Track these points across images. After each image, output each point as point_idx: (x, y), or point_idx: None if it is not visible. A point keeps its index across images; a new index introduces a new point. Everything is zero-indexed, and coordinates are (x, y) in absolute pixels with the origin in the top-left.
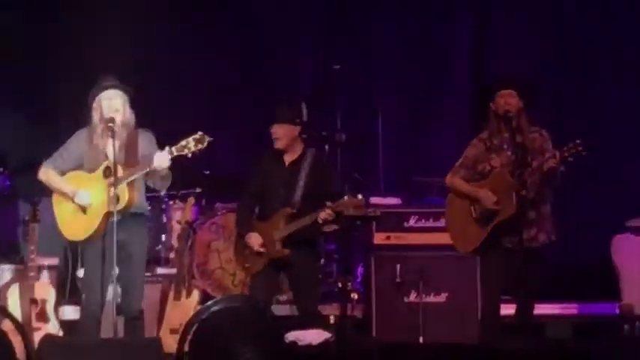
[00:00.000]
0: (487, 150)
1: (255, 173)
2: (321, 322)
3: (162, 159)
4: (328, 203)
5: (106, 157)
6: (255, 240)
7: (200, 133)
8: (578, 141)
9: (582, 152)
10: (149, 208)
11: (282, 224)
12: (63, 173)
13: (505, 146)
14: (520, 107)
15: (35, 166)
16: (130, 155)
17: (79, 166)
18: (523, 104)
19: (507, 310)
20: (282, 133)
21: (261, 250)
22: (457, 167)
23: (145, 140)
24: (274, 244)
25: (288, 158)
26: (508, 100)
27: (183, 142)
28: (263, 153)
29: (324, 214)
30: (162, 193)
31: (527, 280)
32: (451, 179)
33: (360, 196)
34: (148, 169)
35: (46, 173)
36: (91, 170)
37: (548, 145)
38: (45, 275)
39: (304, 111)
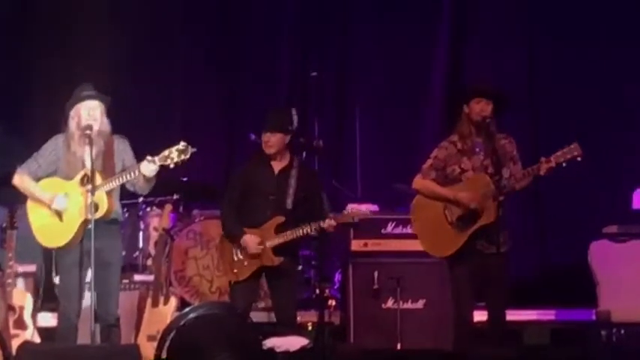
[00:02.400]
0: (458, 152)
1: (239, 181)
2: (297, 329)
3: (149, 168)
4: (332, 214)
5: (84, 164)
6: (252, 241)
7: (183, 143)
8: (573, 145)
9: (578, 157)
10: (126, 214)
11: (273, 232)
12: (37, 179)
13: (477, 149)
14: (492, 112)
15: (11, 173)
16: (108, 163)
17: (52, 173)
18: (494, 111)
19: (480, 317)
20: (274, 141)
21: (260, 250)
22: (427, 169)
23: (121, 146)
24: (267, 251)
25: (277, 165)
26: (485, 107)
27: (165, 152)
28: (246, 160)
29: (329, 224)
30: (140, 199)
31: (499, 285)
32: (422, 181)
33: (364, 208)
34: (133, 177)
35: (21, 178)
36: (67, 177)
37: (515, 153)
38: (22, 282)
39: (295, 119)
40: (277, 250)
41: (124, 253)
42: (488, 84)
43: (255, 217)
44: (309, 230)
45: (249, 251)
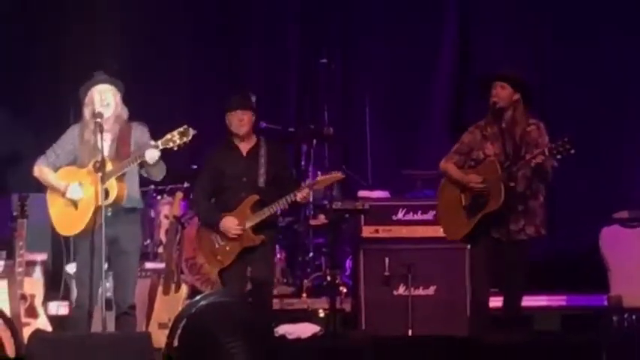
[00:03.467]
0: (483, 138)
1: (209, 167)
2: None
3: (152, 153)
4: (304, 183)
5: (98, 151)
6: (230, 223)
7: (184, 126)
8: (566, 139)
9: (570, 150)
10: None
11: (250, 212)
12: (56, 169)
13: (500, 136)
14: (514, 99)
15: (23, 162)
16: (122, 149)
17: (71, 162)
18: (519, 96)
19: (496, 302)
20: (247, 119)
21: (239, 231)
22: (452, 153)
23: (138, 133)
24: (246, 232)
25: (244, 147)
26: (497, 91)
27: (168, 136)
28: (213, 147)
29: (303, 194)
30: (152, 187)
31: (514, 272)
32: (445, 164)
33: (335, 172)
34: (136, 162)
35: (40, 170)
36: (82, 165)
37: (543, 139)
38: (34, 271)
39: (254, 99)
40: (257, 228)
41: (147, 241)
42: (506, 69)
43: (229, 201)
44: (285, 204)
45: (230, 234)
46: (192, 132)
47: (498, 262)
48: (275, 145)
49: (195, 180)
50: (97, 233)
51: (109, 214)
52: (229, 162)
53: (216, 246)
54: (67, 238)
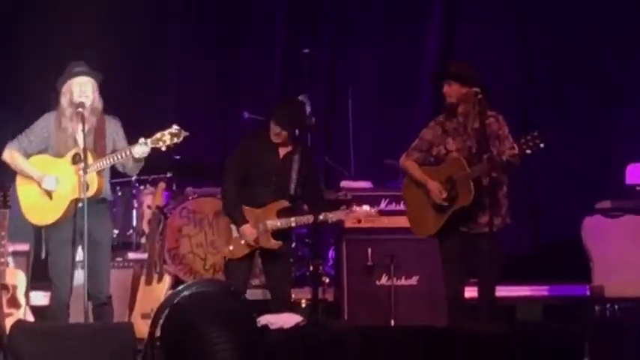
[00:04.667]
0: (443, 133)
1: (243, 161)
2: (291, 308)
3: (141, 150)
4: (344, 208)
5: (75, 142)
6: (250, 234)
7: (176, 127)
8: (535, 133)
9: (540, 144)
10: (119, 193)
11: (275, 215)
12: (28, 155)
13: (461, 130)
14: (463, 93)
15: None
16: (99, 141)
17: (43, 150)
18: (468, 89)
19: (472, 292)
20: (284, 136)
21: (254, 245)
22: (412, 149)
23: (112, 126)
24: (266, 234)
25: (282, 150)
26: (445, 89)
27: (158, 135)
28: (251, 135)
29: (340, 217)
30: (134, 178)
31: (487, 264)
32: (404, 162)
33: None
34: (124, 158)
35: (11, 155)
36: (58, 154)
37: (503, 131)
38: (15, 261)
39: (307, 109)
40: (275, 233)
41: (116, 231)
42: (451, 66)
43: (255, 198)
44: (311, 220)
45: (246, 240)
46: (184, 134)
47: (469, 254)
48: (307, 152)
49: (225, 162)
50: (70, 224)
51: (80, 205)
52: (264, 157)
53: (233, 235)
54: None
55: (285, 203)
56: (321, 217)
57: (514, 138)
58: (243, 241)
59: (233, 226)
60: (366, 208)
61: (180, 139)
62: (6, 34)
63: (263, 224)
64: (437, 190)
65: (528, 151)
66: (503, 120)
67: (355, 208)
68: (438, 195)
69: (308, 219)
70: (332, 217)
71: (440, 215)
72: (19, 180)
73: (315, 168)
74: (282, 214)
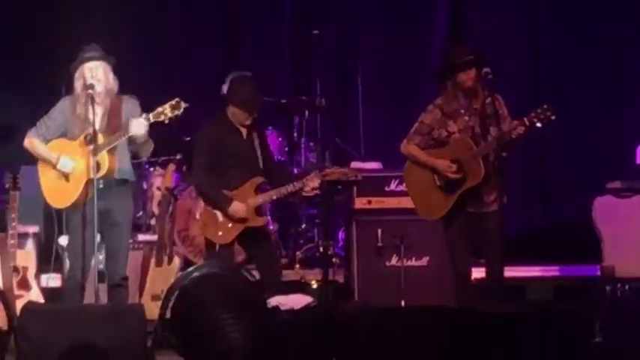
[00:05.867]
0: (443, 116)
1: (209, 147)
2: (282, 287)
3: (138, 126)
4: (315, 172)
5: (89, 124)
6: (241, 209)
7: (176, 99)
8: (545, 106)
9: (551, 117)
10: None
11: (254, 193)
12: (47, 141)
13: (462, 111)
14: (479, 76)
15: (16, 134)
16: (113, 122)
17: (62, 135)
18: (482, 72)
19: (479, 273)
20: (251, 118)
21: (246, 218)
22: (412, 134)
23: (129, 106)
24: (251, 213)
25: (243, 129)
26: (468, 76)
27: (159, 109)
28: (209, 124)
29: (315, 183)
30: (144, 159)
31: (495, 243)
32: (406, 147)
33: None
34: (126, 136)
35: (31, 142)
36: (74, 138)
37: (503, 111)
38: (26, 243)
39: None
40: (256, 210)
41: (140, 213)
42: (467, 54)
43: (230, 182)
44: (292, 189)
45: (237, 217)
46: (183, 105)
47: (475, 234)
48: (261, 129)
49: (193, 157)
50: (88, 205)
51: (101, 186)
52: (230, 141)
53: (220, 220)
54: (58, 211)
55: (260, 179)
56: (298, 184)
57: (524, 114)
58: (230, 224)
59: (217, 212)
60: (365, 165)
61: (181, 110)
62: (15, 19)
63: (246, 204)
64: (446, 166)
65: (539, 125)
66: (501, 99)
67: (331, 166)
68: (448, 170)
69: (287, 189)
70: (307, 181)
71: (448, 196)
72: (40, 166)
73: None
74: (260, 190)
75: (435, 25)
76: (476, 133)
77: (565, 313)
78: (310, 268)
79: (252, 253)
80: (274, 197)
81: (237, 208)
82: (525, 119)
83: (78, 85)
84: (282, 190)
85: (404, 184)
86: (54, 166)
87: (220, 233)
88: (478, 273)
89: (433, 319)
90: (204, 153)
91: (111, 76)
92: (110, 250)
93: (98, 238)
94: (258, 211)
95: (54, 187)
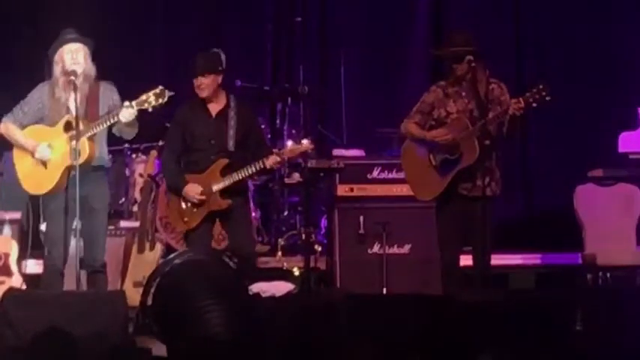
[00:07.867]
0: (445, 96)
1: (178, 127)
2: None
3: (128, 113)
4: (275, 150)
5: (68, 110)
6: (193, 190)
7: (160, 87)
8: (541, 86)
9: (546, 97)
10: (111, 160)
11: (219, 175)
12: (23, 127)
13: (463, 94)
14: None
15: None
16: (92, 108)
17: (39, 120)
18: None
19: (467, 261)
20: (207, 83)
21: (202, 198)
22: (413, 112)
23: (107, 92)
24: (213, 195)
25: (213, 108)
26: (470, 62)
27: (143, 97)
28: (180, 106)
29: (272, 161)
30: (126, 145)
31: (482, 229)
32: (406, 125)
33: (305, 142)
34: (110, 123)
35: (6, 127)
36: (52, 124)
37: (505, 98)
38: (7, 229)
39: (223, 58)
40: (226, 192)
41: (122, 200)
42: (468, 43)
43: (198, 163)
44: (254, 169)
45: (191, 201)
46: (168, 94)
47: (465, 220)
48: (245, 107)
49: (165, 138)
50: (69, 192)
51: (73, 173)
52: (198, 123)
53: (183, 207)
54: (35, 197)
55: (225, 162)
56: (258, 164)
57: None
58: (195, 210)
59: (181, 199)
60: (305, 142)
61: (165, 99)
62: None
63: (209, 188)
64: (442, 135)
65: (534, 105)
66: (505, 86)
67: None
68: (444, 136)
69: (247, 169)
70: (270, 161)
71: (443, 177)
72: (15, 151)
73: (259, 129)
74: (225, 172)
75: (417, 8)
76: (474, 116)
77: (546, 301)
78: (292, 255)
79: (227, 233)
80: (235, 179)
81: (190, 188)
82: (521, 98)
83: (57, 69)
84: (242, 172)
85: (402, 165)
86: (31, 154)
87: (185, 219)
88: (465, 261)
89: (414, 307)
90: (172, 132)
91: (89, 60)
92: (88, 237)
93: (80, 224)
94: (225, 193)
95: (31, 173)
